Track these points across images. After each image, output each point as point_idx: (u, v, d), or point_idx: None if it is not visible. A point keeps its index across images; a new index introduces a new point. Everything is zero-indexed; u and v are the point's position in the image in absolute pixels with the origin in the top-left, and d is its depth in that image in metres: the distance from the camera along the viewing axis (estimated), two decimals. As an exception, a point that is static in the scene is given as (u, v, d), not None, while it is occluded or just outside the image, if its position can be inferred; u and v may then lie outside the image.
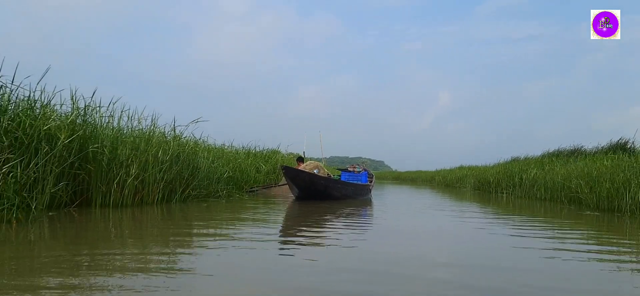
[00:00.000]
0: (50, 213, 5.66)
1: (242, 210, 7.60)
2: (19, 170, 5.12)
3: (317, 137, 34.49)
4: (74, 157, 6.29)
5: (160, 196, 7.69)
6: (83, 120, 6.81)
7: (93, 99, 7.10)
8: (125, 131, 7.66)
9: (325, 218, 6.77)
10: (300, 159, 13.72)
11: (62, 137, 5.91)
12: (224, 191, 9.89)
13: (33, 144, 5.56)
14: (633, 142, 17.14)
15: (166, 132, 8.57)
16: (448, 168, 37.07)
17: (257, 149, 16.25)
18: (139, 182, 7.24)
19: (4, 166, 4.95)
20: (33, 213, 5.08)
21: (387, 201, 11.05)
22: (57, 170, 5.86)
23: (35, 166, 5.49)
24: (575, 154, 21.40)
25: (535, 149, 35.88)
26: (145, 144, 7.62)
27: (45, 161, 5.64)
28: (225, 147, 13.50)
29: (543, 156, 24.20)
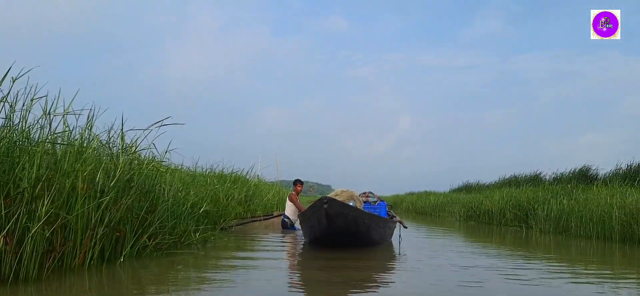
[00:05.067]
0: None
1: (245, 276, 4.39)
2: None
3: (272, 159, 31.08)
4: None
5: (96, 253, 4.28)
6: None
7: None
8: (33, 135, 4.21)
9: None
10: (299, 182, 10.49)
11: None
12: (198, 234, 6.52)
13: None
14: (596, 170, 16.17)
15: (110, 140, 5.17)
16: (413, 193, 34.87)
17: (225, 172, 12.76)
18: (57, 229, 3.83)
19: None
20: None
21: (423, 247, 8.00)
22: None
23: None
24: (535, 181, 19.88)
25: (489, 175, 35.82)
26: (74, 158, 4.24)
27: None
28: (196, 169, 10.02)
29: (501, 183, 22.95)
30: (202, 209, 6.78)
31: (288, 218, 10.09)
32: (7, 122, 3.91)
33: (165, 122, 5.45)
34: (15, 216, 3.47)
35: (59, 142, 4.41)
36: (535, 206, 13.46)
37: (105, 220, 4.34)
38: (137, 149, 5.57)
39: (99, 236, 4.28)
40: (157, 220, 5.38)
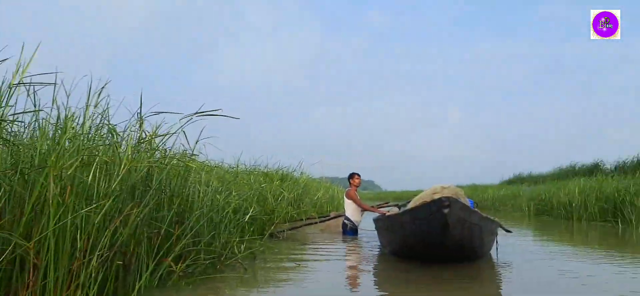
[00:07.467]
0: None
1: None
2: None
3: (317, 158, 29.51)
4: None
5: (93, 283, 2.81)
6: None
7: None
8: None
9: None
10: (356, 175, 8.79)
11: None
12: (243, 247, 4.99)
13: None
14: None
15: (121, 128, 3.70)
16: (461, 185, 32.68)
17: (270, 169, 11.23)
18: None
19: None
20: None
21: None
22: None
23: None
24: (593, 171, 18.14)
25: (539, 167, 35.46)
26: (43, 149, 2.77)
27: None
28: (239, 167, 8.59)
29: (558, 173, 21.30)
30: (248, 216, 5.24)
31: (349, 219, 8.43)
32: None
33: (214, 113, 3.84)
34: None
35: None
36: (631, 199, 11.04)
37: (102, 240, 2.84)
38: (162, 143, 4.09)
39: (94, 261, 2.79)
40: (188, 233, 3.88)
